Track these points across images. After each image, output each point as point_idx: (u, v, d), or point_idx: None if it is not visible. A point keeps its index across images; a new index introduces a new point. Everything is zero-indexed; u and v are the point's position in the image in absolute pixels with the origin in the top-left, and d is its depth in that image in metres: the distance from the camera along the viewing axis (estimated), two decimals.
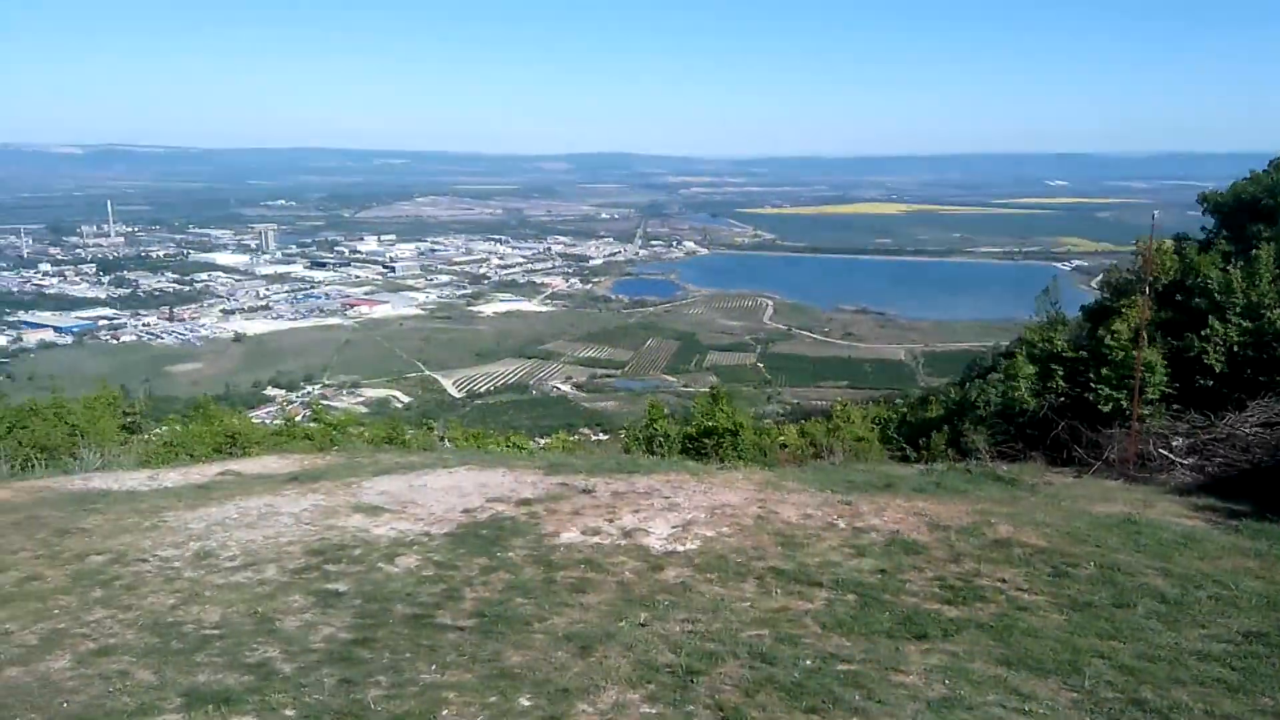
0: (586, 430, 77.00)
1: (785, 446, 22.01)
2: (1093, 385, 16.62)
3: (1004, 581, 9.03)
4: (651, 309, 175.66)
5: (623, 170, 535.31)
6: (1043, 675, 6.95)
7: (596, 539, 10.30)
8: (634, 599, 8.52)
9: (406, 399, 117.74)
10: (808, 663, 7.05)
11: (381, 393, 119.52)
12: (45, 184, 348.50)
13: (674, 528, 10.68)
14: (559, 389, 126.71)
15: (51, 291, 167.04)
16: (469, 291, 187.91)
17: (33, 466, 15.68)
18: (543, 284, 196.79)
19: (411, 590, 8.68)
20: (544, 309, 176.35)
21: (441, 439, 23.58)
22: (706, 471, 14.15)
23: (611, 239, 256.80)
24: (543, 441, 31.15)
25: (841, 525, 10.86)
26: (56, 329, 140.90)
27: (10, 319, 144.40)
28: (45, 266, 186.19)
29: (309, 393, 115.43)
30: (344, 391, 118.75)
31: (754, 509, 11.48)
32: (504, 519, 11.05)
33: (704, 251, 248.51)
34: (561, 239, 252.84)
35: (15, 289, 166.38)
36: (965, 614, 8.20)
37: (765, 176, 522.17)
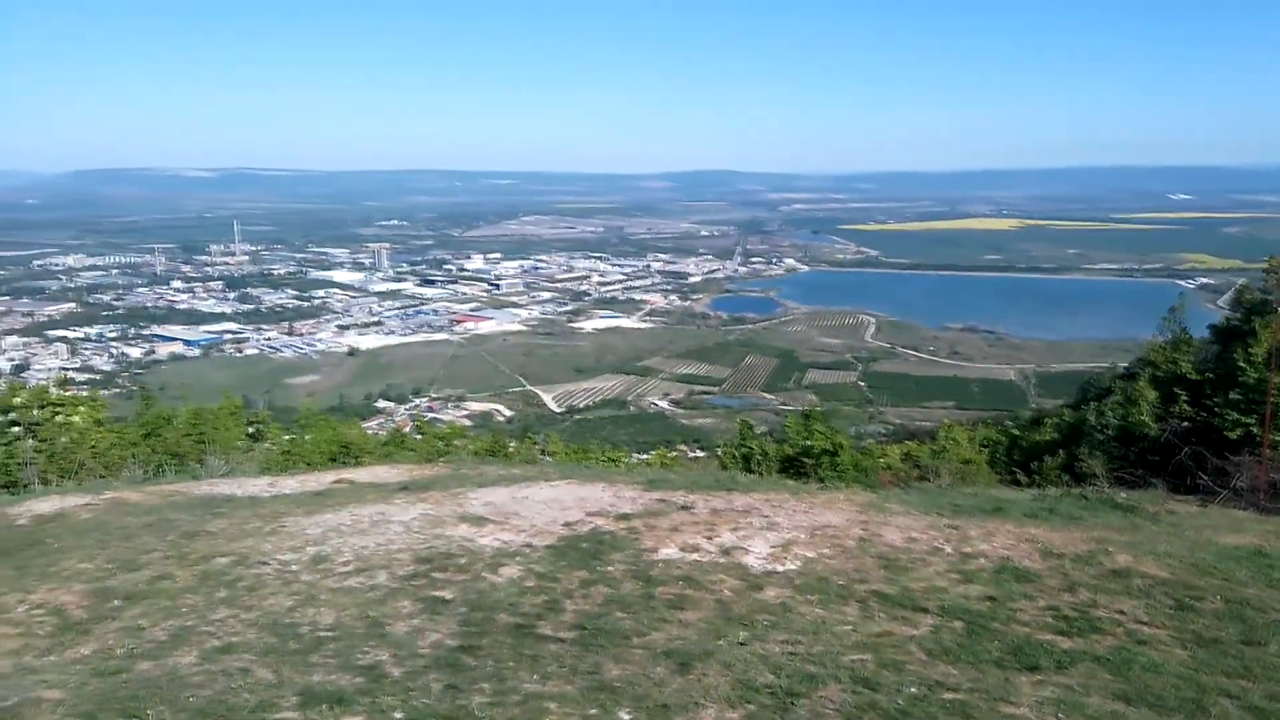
0: (684, 446, 76.95)
1: (888, 468, 21.54)
2: (1220, 410, 15.71)
3: (1122, 613, 8.61)
4: (750, 326, 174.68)
5: (723, 187, 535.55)
6: (1164, 714, 6.59)
7: (695, 556, 10.30)
8: (733, 618, 8.48)
9: (508, 413, 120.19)
10: (912, 690, 6.88)
11: (485, 406, 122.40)
12: (178, 206, 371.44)
13: (773, 547, 10.58)
14: (656, 405, 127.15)
15: (182, 307, 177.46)
16: (570, 308, 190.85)
17: (164, 471, 16.69)
18: (642, 301, 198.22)
19: (514, 600, 8.86)
20: (643, 325, 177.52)
21: (542, 452, 23.98)
22: (806, 491, 13.97)
23: (711, 256, 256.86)
24: (640, 457, 31.34)
25: (948, 550, 10.55)
26: (186, 342, 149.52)
27: (145, 332, 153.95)
28: (177, 283, 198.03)
29: (417, 405, 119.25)
30: (449, 405, 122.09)
31: (856, 530, 11.28)
32: (603, 533, 11.16)
33: (804, 268, 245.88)
34: (661, 256, 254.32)
35: (149, 304, 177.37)
36: (1080, 646, 7.85)
37: (869, 192, 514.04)
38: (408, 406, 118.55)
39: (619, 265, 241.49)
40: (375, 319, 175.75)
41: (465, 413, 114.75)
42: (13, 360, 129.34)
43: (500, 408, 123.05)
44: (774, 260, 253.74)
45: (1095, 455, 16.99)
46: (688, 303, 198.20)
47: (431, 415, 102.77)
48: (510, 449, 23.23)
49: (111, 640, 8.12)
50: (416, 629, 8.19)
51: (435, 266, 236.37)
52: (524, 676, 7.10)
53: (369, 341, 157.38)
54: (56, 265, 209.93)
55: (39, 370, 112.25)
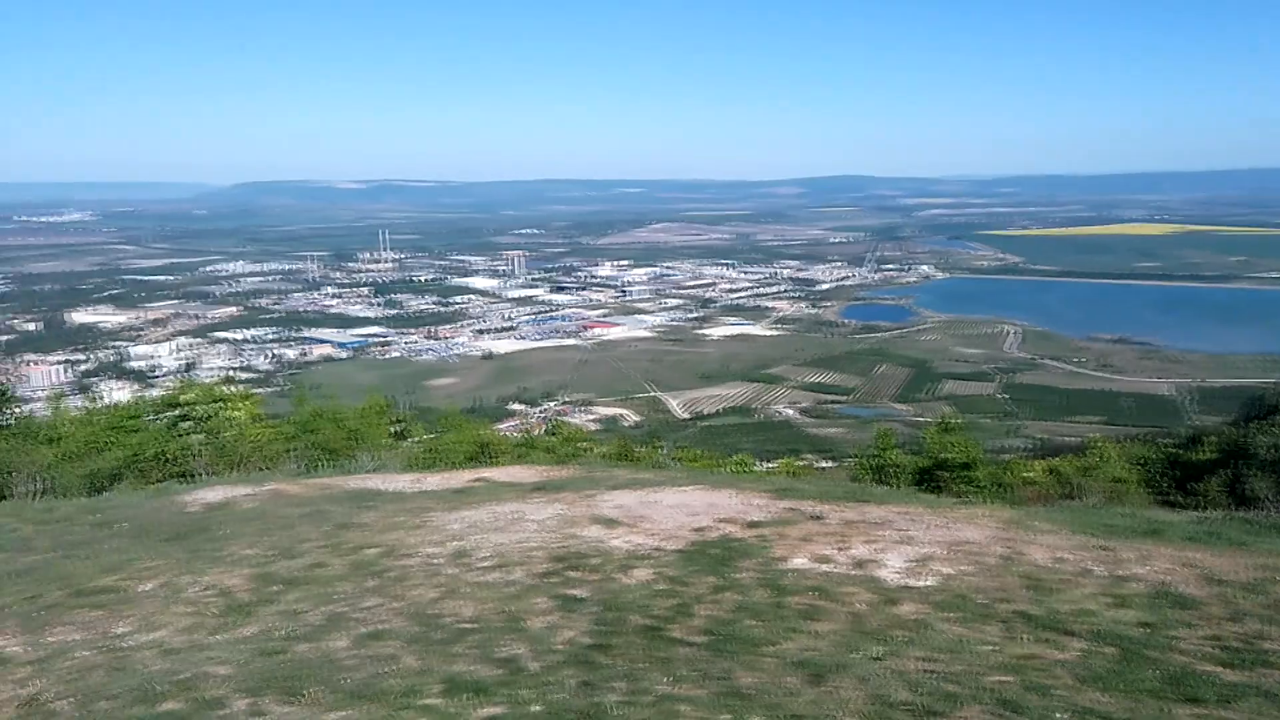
0: (810, 456, 75.65)
1: (1032, 484, 20.58)
2: None
3: None
4: (882, 334, 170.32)
5: (856, 193, 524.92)
6: None
7: (827, 567, 10.15)
8: (867, 631, 8.31)
9: (635, 418, 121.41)
10: (1060, 716, 6.56)
11: (612, 411, 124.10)
12: (331, 216, 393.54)
13: (909, 561, 10.30)
14: (783, 413, 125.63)
15: (334, 311, 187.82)
16: (697, 315, 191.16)
17: (319, 465, 17.73)
18: (770, 308, 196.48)
19: (646, 602, 8.97)
20: (770, 333, 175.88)
21: (670, 458, 24.13)
22: (944, 505, 13.53)
23: (842, 263, 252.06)
24: (767, 466, 31.07)
25: (1099, 572, 10.00)
26: (336, 344, 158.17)
27: (300, 335, 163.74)
28: (329, 289, 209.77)
29: (548, 409, 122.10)
30: (579, 409, 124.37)
31: (998, 548, 10.84)
32: (733, 540, 11.14)
33: (941, 275, 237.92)
34: (790, 263, 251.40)
35: (304, 309, 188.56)
36: (1247, 679, 7.30)
37: (1012, 197, 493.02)
38: (539, 409, 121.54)
39: (747, 272, 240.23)
40: (510, 324, 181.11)
41: (594, 417, 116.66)
42: (183, 359, 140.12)
43: (627, 412, 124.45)
44: (908, 267, 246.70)
45: (1262, 476, 15.74)
46: (817, 310, 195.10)
47: (562, 419, 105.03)
48: (638, 453, 23.47)
49: (273, 622, 8.70)
50: (552, 625, 8.41)
51: (567, 273, 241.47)
52: (656, 678, 7.18)
53: (503, 346, 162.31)
54: (222, 271, 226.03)
55: (205, 369, 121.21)
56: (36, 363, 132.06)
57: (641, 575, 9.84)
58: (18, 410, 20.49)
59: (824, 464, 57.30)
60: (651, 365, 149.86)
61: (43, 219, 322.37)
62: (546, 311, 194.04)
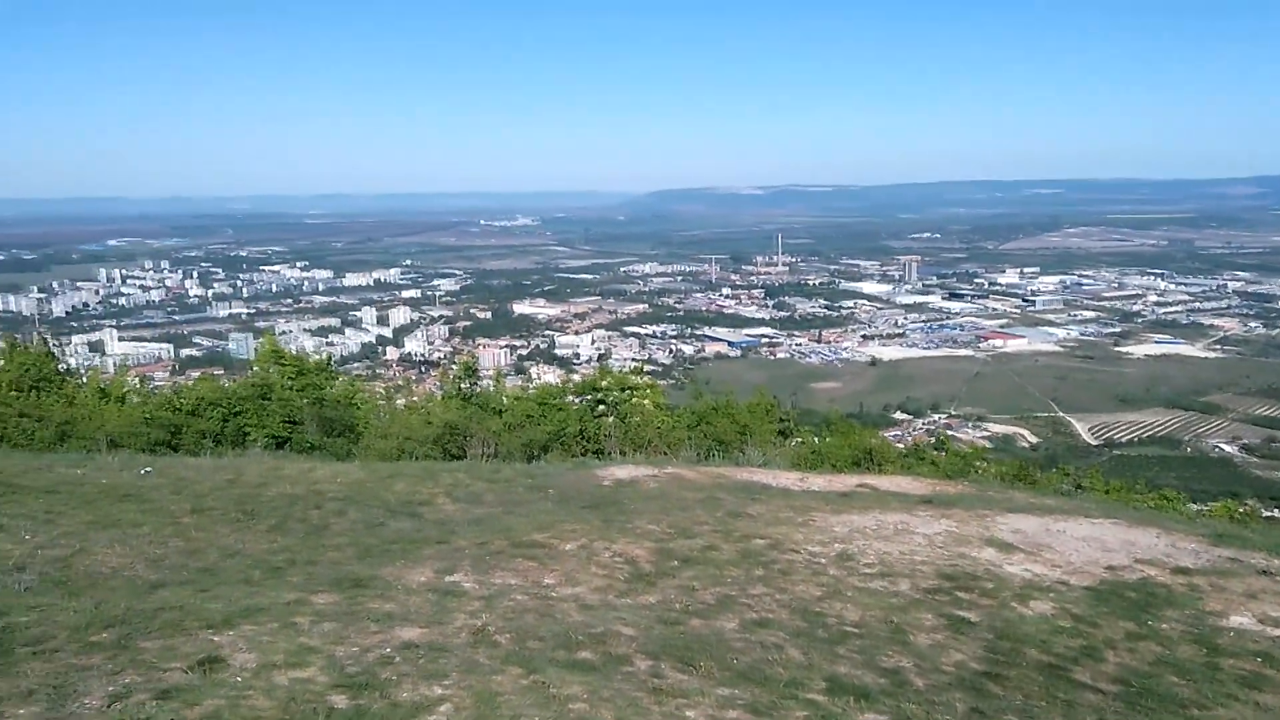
0: (1255, 502, 63.87)
1: None
2: None
3: None
4: None
5: None
6: None
7: (1278, 632, 8.62)
8: None
9: (1033, 439, 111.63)
10: None
11: (1007, 429, 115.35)
12: (732, 220, 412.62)
13: None
14: (1221, 449, 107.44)
15: (728, 311, 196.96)
16: (1116, 330, 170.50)
17: (712, 455, 18.80)
18: (1210, 325, 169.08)
19: (1046, 638, 8.33)
20: (1209, 354, 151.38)
21: (1078, 486, 21.92)
22: None
23: None
24: (1197, 507, 26.95)
25: None
26: (729, 343, 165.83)
27: (698, 333, 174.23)
28: (725, 290, 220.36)
29: (934, 421, 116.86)
30: (968, 424, 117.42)
31: None
32: (1155, 585, 9.89)
33: None
34: (1240, 275, 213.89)
35: (702, 308, 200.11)
36: None
37: None
38: (925, 421, 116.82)
39: (1183, 284, 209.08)
40: (898, 331, 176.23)
41: (985, 433, 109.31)
42: (599, 349, 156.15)
43: (1024, 432, 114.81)
44: None
45: None
46: (1273, 331, 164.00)
47: (949, 432, 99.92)
48: (1038, 477, 21.62)
49: (671, 594, 9.45)
50: (938, 644, 8.15)
51: (964, 280, 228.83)
52: (1056, 719, 6.65)
53: (890, 352, 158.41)
54: (636, 272, 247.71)
55: (615, 360, 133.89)
56: (486, 345, 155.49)
57: (1041, 608, 9.14)
58: (476, 384, 24.33)
59: (1274, 513, 48.24)
60: (1056, 383, 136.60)
61: (498, 224, 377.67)
62: (939, 319, 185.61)
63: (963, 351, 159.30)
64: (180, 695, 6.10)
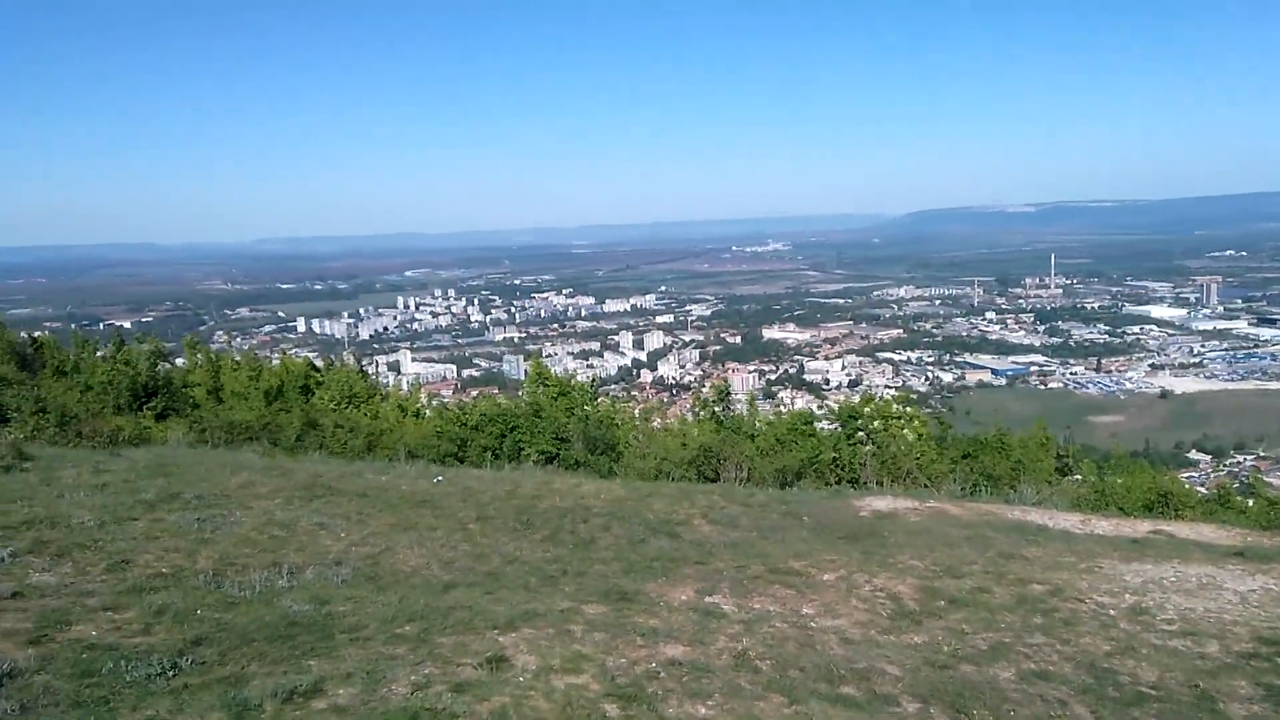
0: None
1: None
2: None
3: None
4: None
5: None
6: None
7: None
8: None
9: None
10: None
11: None
12: (998, 241, 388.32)
13: None
14: None
15: (993, 337, 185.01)
16: None
17: (979, 490, 17.74)
18: None
19: None
20: None
21: None
22: None
23: None
24: None
25: None
26: (993, 371, 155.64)
27: (958, 359, 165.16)
28: (990, 314, 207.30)
29: (1239, 462, 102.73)
30: None
31: None
32: None
33: None
34: None
35: (964, 334, 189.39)
36: None
37: None
38: (1227, 462, 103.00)
39: None
40: (1195, 360, 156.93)
41: None
42: (850, 375, 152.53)
43: None
44: None
45: None
46: None
47: (1262, 476, 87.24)
48: None
49: (939, 636, 9.04)
50: (1255, 716, 7.19)
51: (1277, 304, 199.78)
52: None
53: (1185, 384, 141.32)
54: (890, 296, 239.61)
55: (867, 387, 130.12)
56: (736, 369, 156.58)
57: None
58: (729, 408, 24.61)
59: None
60: None
61: (749, 249, 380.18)
62: (1245, 347, 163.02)
63: (1274, 385, 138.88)
64: (472, 690, 6.70)
